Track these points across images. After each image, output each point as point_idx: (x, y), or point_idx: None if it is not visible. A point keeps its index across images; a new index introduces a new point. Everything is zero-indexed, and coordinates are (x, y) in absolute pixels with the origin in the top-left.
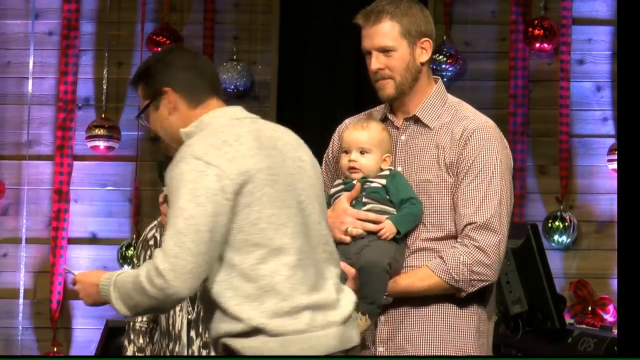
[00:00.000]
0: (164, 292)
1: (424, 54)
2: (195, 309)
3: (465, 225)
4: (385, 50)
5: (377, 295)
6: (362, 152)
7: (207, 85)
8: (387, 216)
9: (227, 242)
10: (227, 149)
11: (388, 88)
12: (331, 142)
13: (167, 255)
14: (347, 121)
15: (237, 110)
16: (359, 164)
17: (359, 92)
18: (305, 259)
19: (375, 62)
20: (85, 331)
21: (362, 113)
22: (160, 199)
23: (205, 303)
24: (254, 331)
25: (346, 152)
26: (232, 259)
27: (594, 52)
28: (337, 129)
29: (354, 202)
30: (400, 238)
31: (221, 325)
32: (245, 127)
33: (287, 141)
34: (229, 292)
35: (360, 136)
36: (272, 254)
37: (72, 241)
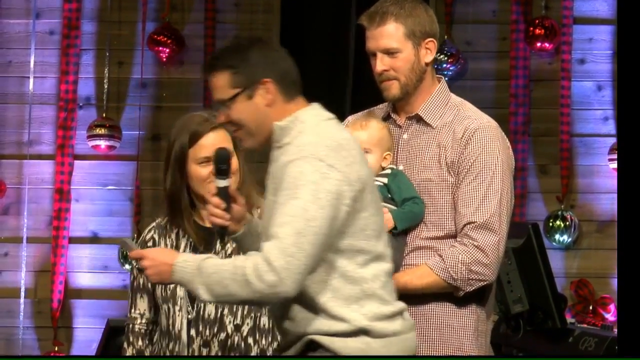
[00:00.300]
0: (273, 290)
1: (428, 54)
2: (195, 308)
3: (465, 225)
4: (390, 52)
5: None
6: (366, 152)
7: (298, 80)
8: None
9: (332, 245)
10: (345, 154)
11: (393, 89)
12: None
13: (284, 253)
14: (349, 118)
15: (324, 110)
16: None
17: (359, 91)
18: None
19: (380, 64)
20: (86, 330)
21: (364, 111)
22: (213, 190)
23: (295, 301)
24: (359, 332)
25: None
26: (335, 261)
27: (595, 51)
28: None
29: None
30: (399, 234)
31: (316, 324)
32: (345, 130)
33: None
34: (328, 292)
35: (360, 136)
36: (373, 260)
37: (73, 240)
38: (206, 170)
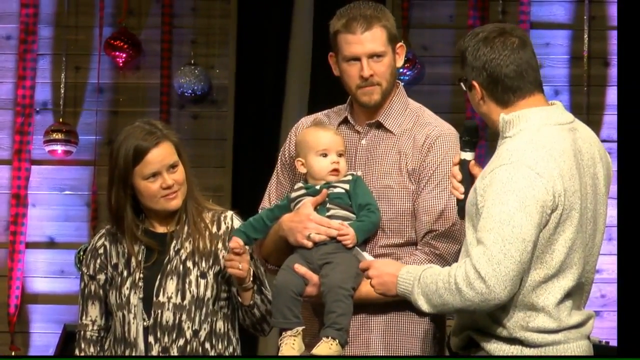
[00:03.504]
0: (483, 297)
1: (398, 58)
2: (152, 315)
3: (426, 233)
4: (377, 56)
5: (345, 321)
6: (340, 155)
7: (533, 77)
8: (348, 222)
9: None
10: (554, 165)
11: (375, 94)
12: (287, 142)
13: (490, 260)
14: (303, 121)
15: (559, 112)
16: (340, 166)
17: (314, 94)
18: None
19: (368, 69)
20: (43, 335)
21: (320, 113)
22: (456, 160)
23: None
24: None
25: (324, 155)
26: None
27: (552, 56)
28: (293, 129)
29: (318, 207)
30: (360, 244)
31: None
32: (568, 139)
33: (593, 154)
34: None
35: (338, 140)
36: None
37: (30, 245)
38: (155, 185)
